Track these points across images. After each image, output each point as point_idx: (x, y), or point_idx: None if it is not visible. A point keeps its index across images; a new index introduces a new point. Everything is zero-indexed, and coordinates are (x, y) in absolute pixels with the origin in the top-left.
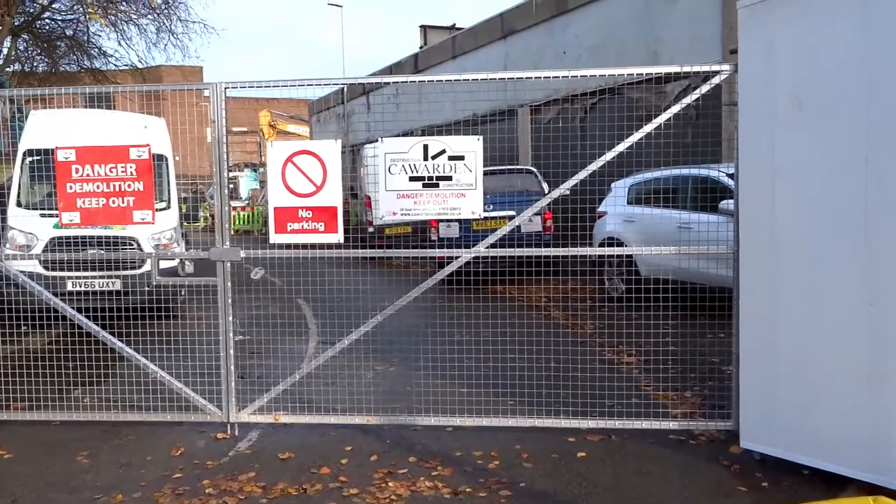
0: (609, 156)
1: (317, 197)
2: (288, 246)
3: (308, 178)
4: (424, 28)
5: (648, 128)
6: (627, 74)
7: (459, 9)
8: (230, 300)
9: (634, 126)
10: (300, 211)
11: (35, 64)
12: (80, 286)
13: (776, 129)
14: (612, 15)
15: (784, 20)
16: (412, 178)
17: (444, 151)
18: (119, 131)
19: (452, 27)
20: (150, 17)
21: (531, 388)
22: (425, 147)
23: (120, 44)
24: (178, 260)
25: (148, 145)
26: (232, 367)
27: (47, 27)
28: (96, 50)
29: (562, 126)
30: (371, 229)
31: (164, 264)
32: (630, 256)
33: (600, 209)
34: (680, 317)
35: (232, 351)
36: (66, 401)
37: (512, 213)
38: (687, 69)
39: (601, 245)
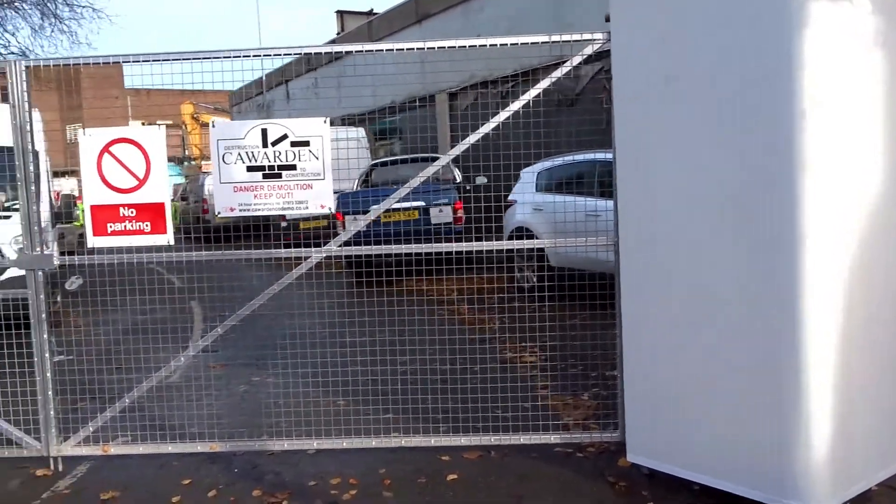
0: (473, 138)
1: (140, 192)
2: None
3: (129, 170)
4: (341, 14)
5: (516, 105)
6: (496, 45)
7: None
8: (44, 315)
9: (551, 111)
10: (122, 209)
11: None
12: None
13: (650, 103)
14: None
15: None
16: (250, 168)
17: (285, 136)
18: None
19: (370, 13)
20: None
21: (418, 398)
22: (264, 131)
23: None
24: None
25: None
26: (50, 393)
27: None
28: None
29: (480, 112)
30: (284, 224)
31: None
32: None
33: (510, 197)
34: (589, 309)
35: (49, 374)
36: None
37: (421, 203)
38: (556, 39)
39: (511, 235)
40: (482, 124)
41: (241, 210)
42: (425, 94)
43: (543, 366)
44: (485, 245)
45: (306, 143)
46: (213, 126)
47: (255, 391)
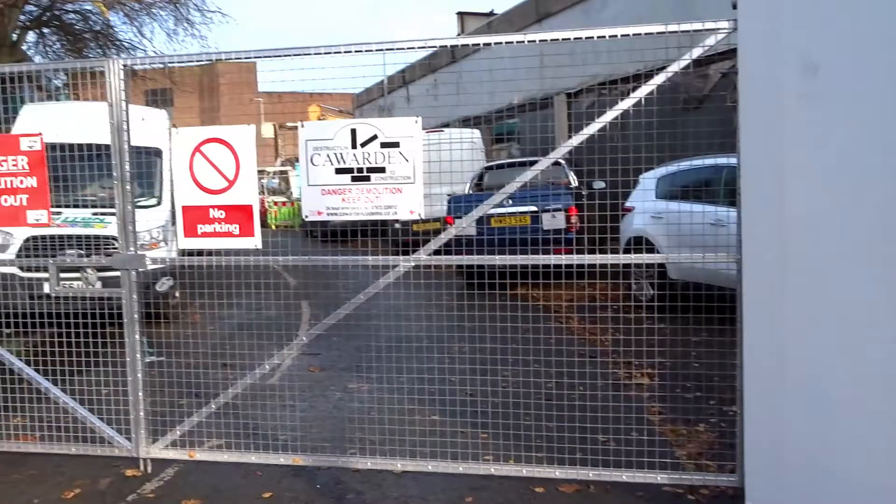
0: (575, 141)
1: (229, 193)
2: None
3: (219, 170)
4: (461, 15)
5: (626, 104)
6: (604, 37)
7: None
8: (136, 315)
9: (676, 111)
10: (211, 210)
11: (64, 58)
12: (71, 287)
13: (784, 102)
14: None
15: None
16: (339, 171)
17: (375, 137)
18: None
19: (491, 13)
20: (164, 6)
21: (517, 417)
22: (353, 132)
23: (135, 35)
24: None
25: (40, 134)
26: (140, 394)
27: (70, 20)
28: (121, 43)
29: (602, 113)
30: (398, 225)
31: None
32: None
33: (628, 203)
34: (711, 329)
35: (140, 374)
36: None
37: (532, 208)
38: (673, 28)
39: (628, 243)
40: (603, 126)
41: (328, 214)
42: (543, 96)
43: (657, 388)
44: (598, 258)
45: (396, 145)
46: (303, 126)
47: (350, 399)
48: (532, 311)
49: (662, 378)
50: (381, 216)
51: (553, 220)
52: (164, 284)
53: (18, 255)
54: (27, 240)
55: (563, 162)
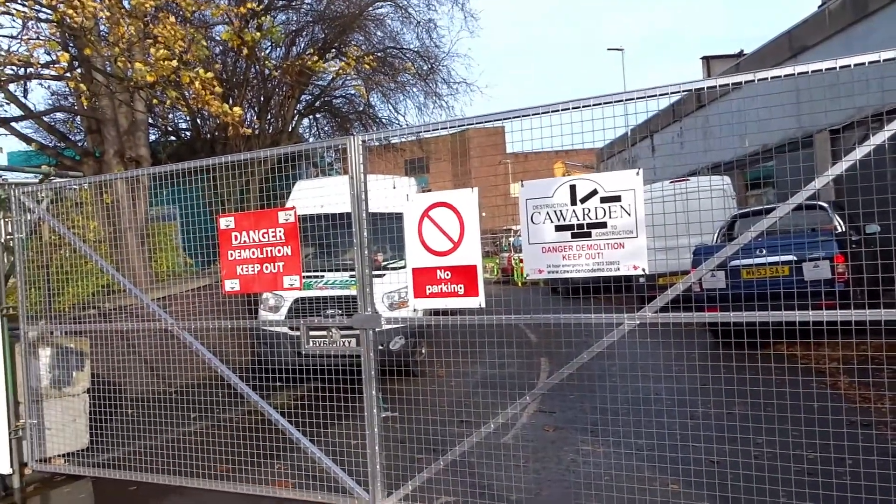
0: (819, 183)
1: (455, 255)
2: (436, 312)
3: (445, 233)
4: (707, 59)
5: (878, 138)
6: (849, 65)
7: (745, 36)
8: (373, 372)
9: None
10: (438, 272)
11: (332, 136)
12: (318, 345)
13: None
14: None
15: None
16: (559, 228)
17: (595, 192)
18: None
19: (739, 54)
20: (416, 83)
21: (773, 494)
22: (572, 188)
23: (391, 112)
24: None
25: (293, 208)
26: (377, 448)
27: (338, 104)
28: (379, 119)
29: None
30: (642, 279)
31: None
32: None
33: None
34: None
35: (377, 429)
36: (253, 472)
37: (791, 257)
38: None
39: None
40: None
41: (549, 272)
42: (803, 135)
43: None
44: (873, 314)
45: (617, 199)
46: (522, 185)
47: (583, 462)
48: (791, 372)
49: None
50: (603, 273)
51: (816, 270)
52: (396, 343)
53: (288, 316)
54: (295, 301)
55: (826, 205)
